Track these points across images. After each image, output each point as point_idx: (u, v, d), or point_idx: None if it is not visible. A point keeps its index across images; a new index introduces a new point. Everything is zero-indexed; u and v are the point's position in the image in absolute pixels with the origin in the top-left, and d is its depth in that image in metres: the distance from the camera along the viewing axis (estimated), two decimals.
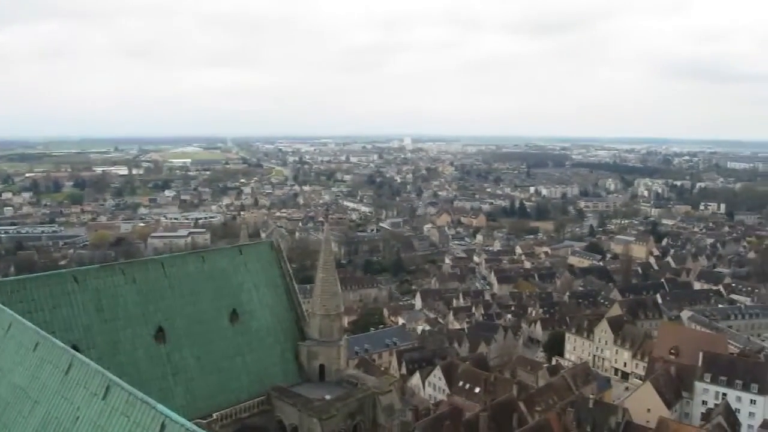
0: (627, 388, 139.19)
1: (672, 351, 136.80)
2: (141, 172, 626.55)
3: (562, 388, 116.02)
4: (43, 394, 33.12)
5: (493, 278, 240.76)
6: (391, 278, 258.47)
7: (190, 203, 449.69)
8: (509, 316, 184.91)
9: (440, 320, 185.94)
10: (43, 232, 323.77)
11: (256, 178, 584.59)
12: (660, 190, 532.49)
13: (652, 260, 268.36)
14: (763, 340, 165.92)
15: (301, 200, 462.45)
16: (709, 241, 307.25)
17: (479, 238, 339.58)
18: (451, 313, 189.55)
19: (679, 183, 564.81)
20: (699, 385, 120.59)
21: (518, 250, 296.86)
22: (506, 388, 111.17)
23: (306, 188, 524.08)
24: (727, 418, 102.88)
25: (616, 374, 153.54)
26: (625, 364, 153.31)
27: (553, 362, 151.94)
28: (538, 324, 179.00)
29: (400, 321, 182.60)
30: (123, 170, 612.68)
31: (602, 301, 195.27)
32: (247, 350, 62.67)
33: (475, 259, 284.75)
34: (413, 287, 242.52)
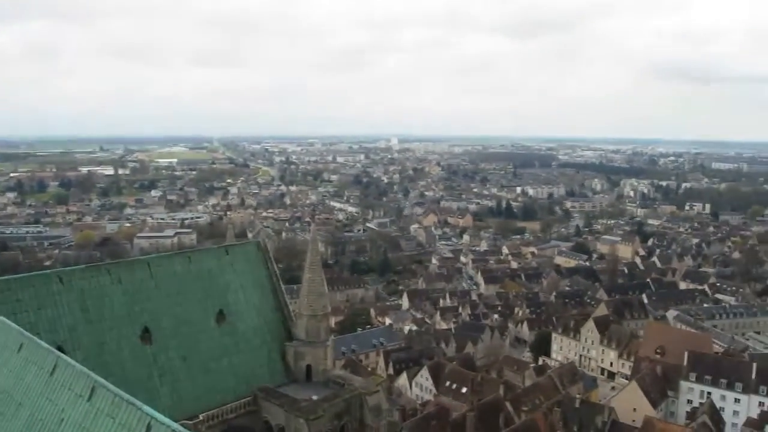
0: (613, 388, 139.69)
1: (658, 350, 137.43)
2: (127, 172, 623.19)
3: (548, 387, 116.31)
4: (28, 395, 32.88)
5: (479, 278, 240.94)
6: (378, 278, 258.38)
7: (176, 203, 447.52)
8: (496, 316, 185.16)
9: (427, 320, 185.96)
10: (27, 232, 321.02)
11: (242, 178, 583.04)
12: (646, 191, 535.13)
13: (638, 260, 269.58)
14: (747, 339, 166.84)
15: (287, 200, 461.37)
16: (695, 241, 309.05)
17: (466, 238, 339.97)
18: (438, 313, 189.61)
19: (664, 183, 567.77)
20: (684, 385, 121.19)
21: (505, 250, 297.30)
22: (493, 388, 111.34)
23: (293, 188, 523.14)
24: (711, 416, 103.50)
25: (602, 374, 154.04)
26: (611, 364, 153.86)
27: (540, 362, 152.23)
28: (525, 324, 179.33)
29: (387, 321, 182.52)
30: (109, 170, 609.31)
31: (588, 301, 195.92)
32: (233, 351, 62.56)
33: (462, 259, 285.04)
34: (400, 287, 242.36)
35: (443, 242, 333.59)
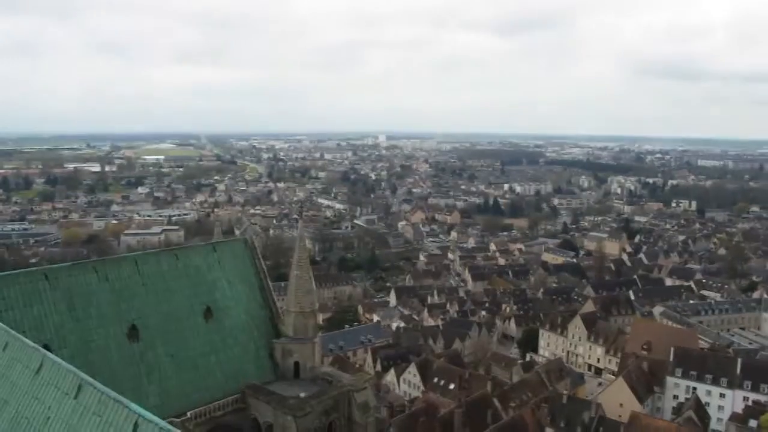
0: (600, 384, 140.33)
1: (644, 346, 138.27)
2: (114, 168, 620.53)
3: (536, 384, 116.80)
4: (13, 394, 32.72)
5: (467, 275, 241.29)
6: (366, 275, 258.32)
7: (163, 200, 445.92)
8: (483, 312, 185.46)
9: (415, 317, 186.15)
10: (13, 229, 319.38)
11: (230, 175, 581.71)
12: (633, 188, 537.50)
13: (624, 257, 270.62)
14: (732, 335, 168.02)
15: (275, 197, 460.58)
16: (681, 237, 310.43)
17: (453, 235, 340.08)
18: (426, 310, 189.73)
19: (651, 180, 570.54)
20: (670, 380, 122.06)
21: (492, 247, 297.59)
22: (481, 384, 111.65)
23: (280, 185, 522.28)
24: (697, 411, 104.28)
25: (589, 370, 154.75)
26: (598, 360, 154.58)
27: (527, 358, 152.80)
28: (512, 320, 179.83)
29: (375, 318, 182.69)
30: (95, 167, 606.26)
31: (576, 297, 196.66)
32: (221, 348, 62.42)
33: (450, 256, 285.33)
34: (388, 284, 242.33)
35: (431, 239, 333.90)
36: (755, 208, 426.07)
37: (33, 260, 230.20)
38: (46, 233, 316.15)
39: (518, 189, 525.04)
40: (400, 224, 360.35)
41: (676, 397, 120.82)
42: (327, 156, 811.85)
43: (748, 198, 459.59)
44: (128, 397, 28.18)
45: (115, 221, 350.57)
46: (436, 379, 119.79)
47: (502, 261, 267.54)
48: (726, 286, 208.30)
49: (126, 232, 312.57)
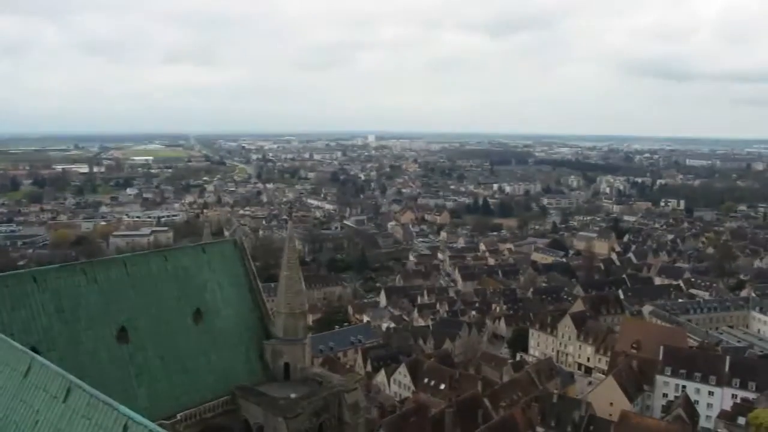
0: (590, 383, 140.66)
1: (634, 345, 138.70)
2: (102, 170, 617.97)
3: (526, 383, 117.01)
4: (1, 398, 32.46)
5: (457, 275, 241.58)
6: (356, 276, 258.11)
7: (152, 201, 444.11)
8: (473, 312, 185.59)
9: (405, 317, 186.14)
10: (0, 231, 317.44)
11: (219, 176, 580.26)
12: (621, 187, 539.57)
13: (614, 256, 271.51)
14: (720, 333, 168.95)
15: (264, 198, 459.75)
16: (669, 237, 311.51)
17: (443, 235, 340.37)
18: (416, 310, 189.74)
19: (640, 180, 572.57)
20: (660, 379, 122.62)
21: (482, 246, 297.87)
22: (471, 384, 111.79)
23: (269, 186, 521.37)
24: (686, 409, 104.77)
25: (579, 369, 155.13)
26: (588, 359, 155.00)
27: (518, 358, 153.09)
28: (502, 320, 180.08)
29: (365, 319, 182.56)
30: (84, 168, 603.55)
31: (565, 297, 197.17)
32: (211, 349, 62.23)
33: (440, 256, 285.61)
34: (378, 285, 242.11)
35: (420, 239, 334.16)
36: (742, 207, 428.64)
37: (21, 262, 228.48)
38: (33, 235, 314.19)
39: (507, 189, 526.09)
40: (390, 224, 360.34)
41: (665, 395, 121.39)
42: (316, 156, 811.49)
43: (736, 197, 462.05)
44: (118, 400, 28.01)
45: (103, 223, 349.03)
46: (426, 380, 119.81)
47: (491, 261, 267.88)
48: (714, 285, 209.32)
49: (115, 233, 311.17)
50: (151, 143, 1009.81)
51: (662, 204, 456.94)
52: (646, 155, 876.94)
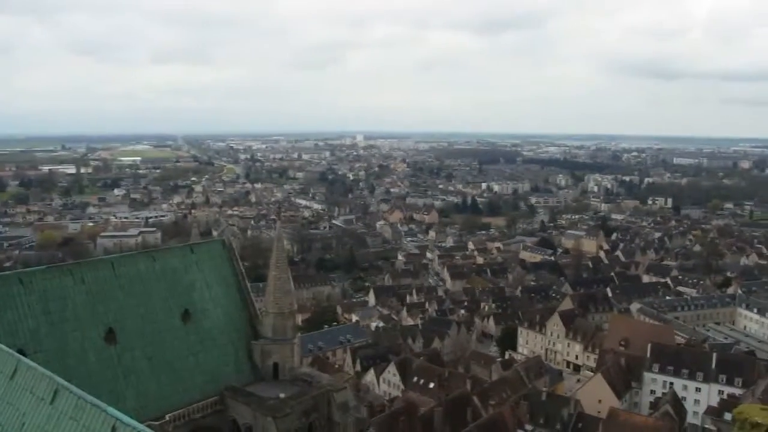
0: (579, 380, 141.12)
1: (622, 343, 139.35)
2: (89, 170, 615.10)
3: (515, 381, 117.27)
4: None
5: (446, 274, 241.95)
6: (344, 275, 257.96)
7: (140, 202, 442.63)
8: (462, 311, 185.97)
9: (394, 317, 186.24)
10: None
11: (207, 176, 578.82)
12: (609, 186, 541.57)
13: (602, 254, 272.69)
14: (707, 330, 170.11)
15: (253, 198, 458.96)
16: (657, 235, 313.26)
17: (432, 234, 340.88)
18: (405, 309, 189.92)
19: (627, 178, 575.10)
20: (647, 375, 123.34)
21: (470, 245, 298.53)
22: (460, 382, 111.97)
23: (258, 186, 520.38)
24: (674, 406, 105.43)
25: (568, 367, 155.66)
26: (576, 357, 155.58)
27: (506, 356, 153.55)
28: (491, 319, 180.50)
29: (354, 318, 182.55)
30: (71, 169, 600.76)
31: (554, 295, 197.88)
32: (199, 350, 62.06)
33: (428, 255, 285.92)
34: (366, 284, 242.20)
35: (409, 238, 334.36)
36: (729, 205, 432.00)
37: (7, 264, 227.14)
38: (20, 236, 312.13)
39: (496, 188, 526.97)
40: (379, 224, 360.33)
41: (653, 392, 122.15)
42: (305, 156, 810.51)
43: (722, 195, 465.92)
44: (106, 401, 27.92)
45: (91, 223, 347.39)
46: (415, 379, 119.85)
47: (480, 260, 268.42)
48: (701, 282, 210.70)
49: (102, 234, 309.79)
50: (139, 144, 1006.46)
51: (650, 202, 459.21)
52: (634, 154, 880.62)
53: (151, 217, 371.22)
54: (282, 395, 60.25)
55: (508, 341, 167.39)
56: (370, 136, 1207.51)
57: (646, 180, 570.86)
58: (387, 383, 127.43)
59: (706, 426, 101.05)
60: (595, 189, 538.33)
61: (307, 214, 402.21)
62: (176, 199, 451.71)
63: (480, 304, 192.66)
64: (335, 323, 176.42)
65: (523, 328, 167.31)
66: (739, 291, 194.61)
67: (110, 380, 54.07)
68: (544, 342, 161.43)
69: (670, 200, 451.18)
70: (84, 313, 54.61)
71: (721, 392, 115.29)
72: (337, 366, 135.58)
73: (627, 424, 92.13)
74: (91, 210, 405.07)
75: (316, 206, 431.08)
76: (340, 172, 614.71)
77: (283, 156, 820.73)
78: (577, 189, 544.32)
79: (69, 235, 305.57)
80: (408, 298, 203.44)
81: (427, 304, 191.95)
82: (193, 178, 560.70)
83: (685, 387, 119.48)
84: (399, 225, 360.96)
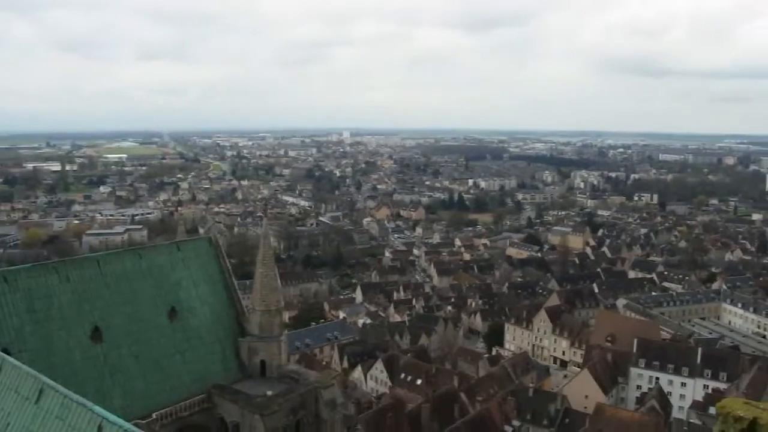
0: (565, 376, 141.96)
1: (608, 338, 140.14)
2: (75, 167, 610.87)
3: (502, 377, 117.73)
4: None
5: (432, 271, 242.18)
6: (331, 272, 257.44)
7: (126, 199, 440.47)
8: (449, 307, 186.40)
9: (381, 313, 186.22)
10: None
11: (193, 173, 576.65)
12: (595, 182, 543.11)
13: (588, 250, 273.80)
14: (693, 326, 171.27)
15: (239, 195, 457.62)
16: (643, 231, 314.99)
17: (419, 230, 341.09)
18: (392, 306, 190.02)
19: (614, 175, 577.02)
20: (634, 371, 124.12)
21: (457, 242, 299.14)
22: (447, 379, 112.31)
23: (244, 183, 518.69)
24: (660, 401, 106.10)
25: (554, 363, 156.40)
26: (563, 353, 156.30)
27: (493, 352, 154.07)
28: (478, 315, 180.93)
29: (341, 315, 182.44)
30: (56, 166, 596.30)
31: (540, 291, 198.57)
32: (186, 348, 61.83)
33: (415, 251, 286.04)
34: (353, 281, 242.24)
35: (396, 235, 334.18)
36: (714, 201, 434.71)
37: None
38: (4, 234, 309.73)
39: (482, 184, 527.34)
40: (365, 221, 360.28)
41: (639, 387, 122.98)
42: (291, 153, 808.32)
43: (707, 191, 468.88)
44: (92, 400, 27.73)
45: (76, 221, 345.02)
46: (403, 375, 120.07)
47: (467, 256, 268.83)
48: (687, 278, 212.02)
49: (88, 232, 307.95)
50: (125, 141, 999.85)
51: (636, 198, 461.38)
52: (620, 150, 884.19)
53: (137, 215, 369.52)
54: (269, 393, 60.14)
55: (495, 337, 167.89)
56: (356, 133, 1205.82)
57: (632, 176, 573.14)
58: (374, 380, 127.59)
59: (692, 420, 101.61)
60: (582, 185, 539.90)
61: (293, 211, 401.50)
62: (162, 196, 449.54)
63: (467, 301, 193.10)
64: (322, 320, 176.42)
65: (510, 324, 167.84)
66: (724, 286, 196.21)
67: (96, 379, 53.80)
68: (531, 338, 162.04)
69: (655, 196, 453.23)
70: (69, 312, 54.27)
71: (706, 387, 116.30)
72: (324, 363, 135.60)
73: (613, 419, 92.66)
74: (76, 207, 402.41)
75: (303, 203, 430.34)
76: (326, 169, 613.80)
77: (270, 153, 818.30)
78: (563, 185, 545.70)
79: (54, 233, 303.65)
80: (395, 294, 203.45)
81: (414, 301, 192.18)
82: (179, 175, 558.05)
83: (670, 382, 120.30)
84: (386, 222, 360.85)
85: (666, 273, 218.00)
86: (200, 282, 65.71)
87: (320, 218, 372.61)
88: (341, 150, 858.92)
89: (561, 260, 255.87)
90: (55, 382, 29.15)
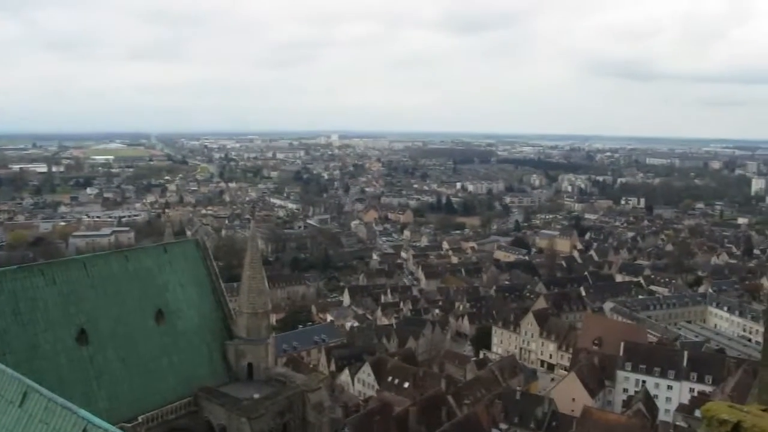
0: (553, 379, 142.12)
1: (595, 342, 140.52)
2: (61, 169, 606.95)
3: (489, 380, 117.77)
4: None
5: (420, 274, 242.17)
6: (319, 275, 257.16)
7: (113, 201, 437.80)
8: (437, 311, 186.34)
9: (368, 316, 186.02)
10: None
11: (181, 175, 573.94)
12: (583, 186, 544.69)
13: (575, 254, 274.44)
14: (679, 329, 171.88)
15: (227, 197, 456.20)
16: (630, 234, 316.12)
17: (406, 233, 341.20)
18: (380, 309, 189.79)
19: (601, 178, 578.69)
20: (620, 374, 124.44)
21: (445, 245, 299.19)
22: (435, 382, 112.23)
23: (232, 185, 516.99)
24: (646, 403, 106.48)
25: (542, 366, 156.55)
26: (550, 356, 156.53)
27: (481, 356, 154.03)
28: (466, 318, 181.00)
29: (329, 318, 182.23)
30: (42, 167, 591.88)
31: (528, 294, 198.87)
32: (173, 350, 61.70)
33: (403, 254, 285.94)
34: (341, 284, 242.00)
35: (384, 238, 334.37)
36: (700, 205, 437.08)
37: None
38: None
39: (470, 188, 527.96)
40: (353, 224, 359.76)
41: (626, 390, 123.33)
42: (279, 155, 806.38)
43: (694, 195, 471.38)
44: (77, 403, 27.59)
45: (63, 223, 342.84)
46: (390, 378, 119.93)
47: (454, 259, 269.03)
48: (673, 282, 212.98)
49: (74, 234, 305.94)
50: (112, 142, 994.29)
51: (623, 202, 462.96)
52: (608, 154, 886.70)
53: (124, 217, 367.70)
54: (256, 395, 60.09)
55: (483, 341, 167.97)
56: (345, 136, 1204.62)
57: (619, 180, 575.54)
58: (362, 383, 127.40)
59: (678, 423, 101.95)
60: (569, 189, 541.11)
61: (281, 213, 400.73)
62: (150, 198, 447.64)
63: (454, 304, 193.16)
64: (310, 323, 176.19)
65: (498, 327, 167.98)
66: (710, 290, 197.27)
67: (82, 382, 53.56)
68: (519, 341, 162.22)
69: (642, 200, 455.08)
70: (55, 314, 54.02)
71: (692, 390, 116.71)
72: (311, 366, 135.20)
73: (600, 422, 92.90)
74: (62, 209, 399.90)
75: (291, 206, 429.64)
76: (314, 172, 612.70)
77: (258, 155, 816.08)
78: (551, 189, 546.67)
79: (40, 235, 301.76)
80: (383, 297, 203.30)
81: (401, 304, 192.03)
82: (166, 177, 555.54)
83: (657, 385, 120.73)
84: (374, 224, 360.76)
85: (653, 276, 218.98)
86: (187, 284, 65.59)
87: (308, 221, 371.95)
88: (329, 152, 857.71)
89: (548, 264, 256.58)
90: (39, 386, 28.98)
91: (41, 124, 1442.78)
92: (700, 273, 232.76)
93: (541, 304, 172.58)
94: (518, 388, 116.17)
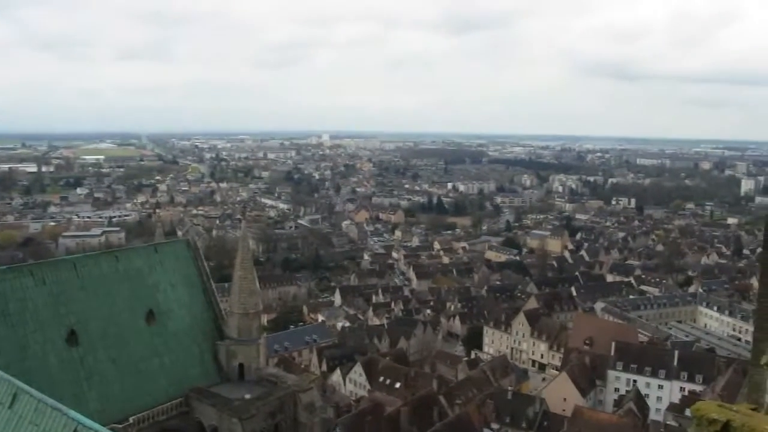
0: (544, 379, 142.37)
1: (586, 341, 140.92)
2: (51, 169, 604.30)
3: (481, 381, 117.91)
4: None
5: (411, 274, 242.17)
6: (310, 275, 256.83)
7: (103, 201, 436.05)
8: (428, 311, 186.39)
9: (360, 316, 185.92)
10: None
11: (171, 175, 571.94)
12: (574, 186, 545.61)
13: (566, 254, 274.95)
14: (669, 329, 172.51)
15: (218, 197, 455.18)
16: (621, 234, 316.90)
17: (398, 234, 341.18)
18: (371, 309, 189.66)
19: (592, 179, 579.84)
20: (611, 374, 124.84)
21: (436, 245, 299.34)
22: (426, 382, 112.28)
23: (223, 185, 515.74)
24: (637, 403, 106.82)
25: (533, 366, 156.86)
26: (542, 356, 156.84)
27: (472, 356, 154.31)
28: (457, 318, 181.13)
29: (320, 318, 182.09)
30: (32, 167, 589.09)
31: (519, 294, 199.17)
32: (164, 351, 61.51)
33: (394, 255, 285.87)
34: (332, 284, 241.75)
35: (375, 238, 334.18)
36: (690, 205, 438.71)
37: None
38: None
39: (461, 188, 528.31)
40: (344, 224, 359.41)
41: (617, 389, 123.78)
42: (270, 155, 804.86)
43: (684, 195, 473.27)
44: (68, 404, 27.47)
45: (52, 223, 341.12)
46: (381, 378, 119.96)
47: (446, 259, 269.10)
48: (664, 281, 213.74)
49: (64, 234, 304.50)
50: (102, 142, 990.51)
51: (614, 202, 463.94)
52: (598, 154, 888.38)
53: (114, 217, 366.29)
54: (248, 396, 59.97)
55: (474, 341, 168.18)
56: (336, 136, 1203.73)
57: (610, 180, 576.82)
58: (353, 383, 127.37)
59: (669, 422, 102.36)
60: (560, 189, 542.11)
61: (272, 213, 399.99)
62: (140, 198, 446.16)
63: (446, 304, 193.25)
64: (301, 323, 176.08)
65: (489, 327, 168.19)
66: (700, 290, 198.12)
67: (72, 383, 53.32)
68: (510, 341, 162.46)
69: (633, 200, 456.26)
70: (45, 315, 53.76)
71: (682, 389, 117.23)
72: (303, 366, 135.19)
73: (591, 421, 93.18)
74: (52, 209, 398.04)
75: (282, 206, 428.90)
76: (305, 172, 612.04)
77: (249, 155, 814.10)
78: (542, 189, 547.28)
79: (30, 235, 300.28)
80: (374, 297, 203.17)
81: (392, 304, 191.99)
82: (157, 177, 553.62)
83: (648, 384, 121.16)
84: (365, 225, 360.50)
85: (643, 276, 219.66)
86: (178, 285, 65.42)
87: (299, 221, 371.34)
88: (320, 153, 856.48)
89: (539, 264, 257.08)
90: (29, 387, 28.83)
91: (31, 124, 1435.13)
92: (690, 273, 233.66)
93: (532, 304, 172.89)
94: (509, 388, 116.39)
